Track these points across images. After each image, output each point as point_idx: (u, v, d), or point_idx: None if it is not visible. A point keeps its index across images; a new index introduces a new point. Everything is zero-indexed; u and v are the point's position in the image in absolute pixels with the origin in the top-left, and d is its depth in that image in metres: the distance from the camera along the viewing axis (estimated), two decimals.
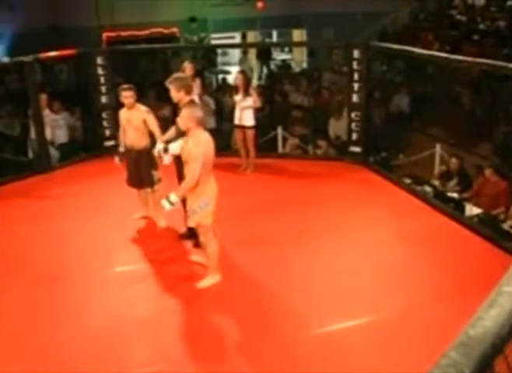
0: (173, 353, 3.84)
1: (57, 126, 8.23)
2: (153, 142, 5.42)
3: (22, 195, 6.81)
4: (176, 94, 4.95)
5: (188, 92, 4.96)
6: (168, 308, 4.39)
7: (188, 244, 5.30)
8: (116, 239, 5.59)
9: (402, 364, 3.53)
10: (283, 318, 4.21)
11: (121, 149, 5.74)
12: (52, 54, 7.98)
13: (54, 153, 7.99)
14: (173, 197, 4.28)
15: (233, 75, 11.73)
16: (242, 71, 7.59)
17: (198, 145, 4.21)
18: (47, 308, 4.42)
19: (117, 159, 5.74)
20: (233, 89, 7.54)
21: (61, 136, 8.36)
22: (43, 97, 7.89)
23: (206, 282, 4.63)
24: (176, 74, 5.20)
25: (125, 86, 5.57)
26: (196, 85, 6.83)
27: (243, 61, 15.19)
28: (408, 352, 3.66)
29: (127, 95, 5.48)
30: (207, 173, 4.29)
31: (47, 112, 7.97)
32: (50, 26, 13.53)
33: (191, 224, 4.49)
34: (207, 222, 4.40)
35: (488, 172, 6.42)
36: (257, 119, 7.31)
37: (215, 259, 4.61)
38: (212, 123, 8.76)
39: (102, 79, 8.06)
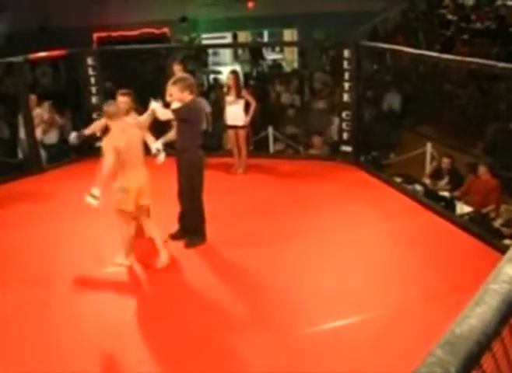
0: (165, 353, 3.83)
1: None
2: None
3: (13, 197, 6.77)
4: (180, 94, 5.00)
5: (192, 91, 5.02)
6: (160, 308, 4.38)
7: (180, 244, 5.30)
8: (107, 240, 5.56)
9: (394, 362, 3.53)
10: (275, 317, 4.21)
11: (86, 132, 5.88)
12: (42, 54, 7.95)
13: (43, 153, 7.95)
14: (95, 191, 4.54)
15: (224, 75, 11.72)
16: (234, 71, 7.57)
17: (108, 140, 4.62)
18: (38, 309, 4.40)
19: (73, 135, 5.87)
20: (225, 89, 7.52)
21: (51, 136, 8.30)
22: (33, 98, 7.84)
23: (116, 260, 4.93)
24: (177, 75, 5.29)
25: (123, 91, 5.35)
26: None
27: (240, 57, 15.18)
28: (400, 350, 3.66)
29: (122, 101, 5.23)
30: (122, 164, 4.61)
31: (38, 110, 7.90)
32: (39, 26, 13.44)
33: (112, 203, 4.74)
34: (122, 208, 4.71)
35: (482, 169, 6.41)
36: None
37: (126, 245, 4.89)
38: (204, 126, 8.73)
39: (92, 80, 8.03)
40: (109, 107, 4.72)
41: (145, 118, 5.13)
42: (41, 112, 8.01)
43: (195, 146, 5.07)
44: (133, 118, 5.42)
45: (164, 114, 5.07)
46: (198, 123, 5.18)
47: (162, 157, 5.11)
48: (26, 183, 7.32)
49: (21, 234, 5.77)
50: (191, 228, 5.29)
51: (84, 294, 4.63)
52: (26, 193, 6.89)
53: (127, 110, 5.30)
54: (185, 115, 5.01)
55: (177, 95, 5.03)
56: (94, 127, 5.86)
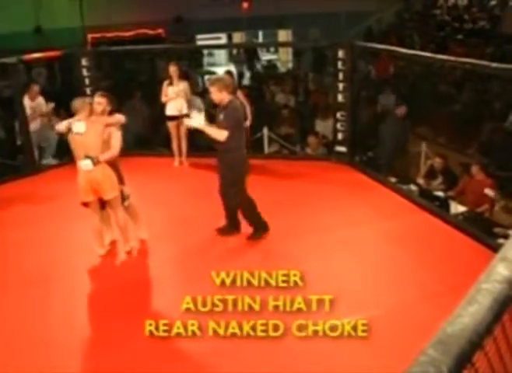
0: (164, 352, 3.83)
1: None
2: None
3: (10, 197, 6.76)
4: (218, 95, 4.97)
5: (230, 91, 5.01)
6: (159, 308, 4.38)
7: (173, 245, 5.31)
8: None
9: (389, 362, 3.54)
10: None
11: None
12: (37, 55, 7.92)
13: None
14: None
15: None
16: (228, 72, 7.59)
17: None
18: (36, 310, 4.41)
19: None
20: None
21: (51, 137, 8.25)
22: (35, 88, 7.76)
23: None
24: (216, 75, 5.29)
25: (101, 92, 5.08)
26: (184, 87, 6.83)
27: (235, 58, 15.19)
28: (395, 350, 3.67)
29: (97, 101, 4.92)
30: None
31: (38, 101, 7.80)
32: (34, 27, 13.41)
33: None
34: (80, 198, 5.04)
35: (475, 169, 6.44)
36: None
37: (94, 235, 5.10)
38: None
39: (87, 81, 8.02)
40: (75, 102, 4.94)
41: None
42: (41, 104, 7.86)
43: (239, 146, 5.08)
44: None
45: (218, 134, 4.95)
46: (241, 123, 5.17)
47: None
48: (23, 183, 7.30)
49: (19, 235, 5.75)
50: (251, 221, 5.33)
51: (82, 295, 4.63)
52: (24, 194, 6.88)
53: (101, 111, 4.96)
54: (234, 121, 4.98)
55: (216, 95, 4.98)
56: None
